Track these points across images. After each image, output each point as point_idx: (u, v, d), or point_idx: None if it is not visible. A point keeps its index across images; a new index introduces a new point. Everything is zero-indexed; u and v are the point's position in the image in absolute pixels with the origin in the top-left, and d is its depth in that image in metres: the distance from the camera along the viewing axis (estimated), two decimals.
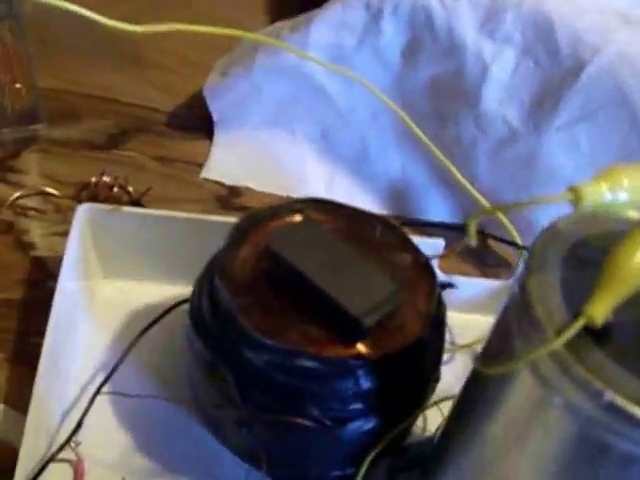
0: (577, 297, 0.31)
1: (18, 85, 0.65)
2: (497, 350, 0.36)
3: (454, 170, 0.54)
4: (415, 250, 0.46)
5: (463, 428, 0.40)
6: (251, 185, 0.65)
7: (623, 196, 0.29)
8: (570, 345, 0.30)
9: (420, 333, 0.42)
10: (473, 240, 0.33)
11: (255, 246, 0.45)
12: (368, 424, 0.42)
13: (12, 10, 0.62)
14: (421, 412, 0.45)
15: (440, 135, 0.59)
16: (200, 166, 0.66)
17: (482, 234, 0.55)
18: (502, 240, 0.55)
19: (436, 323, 0.44)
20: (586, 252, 0.34)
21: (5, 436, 0.48)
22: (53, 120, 0.67)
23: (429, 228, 0.58)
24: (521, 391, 0.34)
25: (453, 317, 0.54)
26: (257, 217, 0.46)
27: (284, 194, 0.63)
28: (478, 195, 0.55)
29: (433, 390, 0.46)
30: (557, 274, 0.33)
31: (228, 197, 0.65)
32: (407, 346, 0.42)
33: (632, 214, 0.32)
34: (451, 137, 0.59)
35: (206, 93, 0.66)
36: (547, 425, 0.33)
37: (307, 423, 0.41)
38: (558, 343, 0.30)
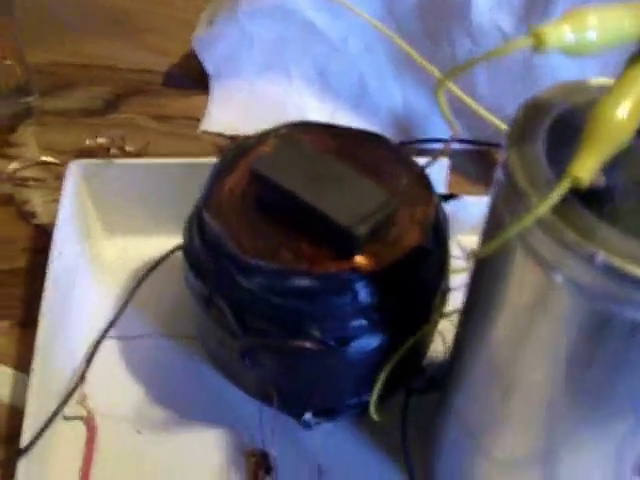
0: (563, 163, 0.29)
1: (8, 62, 0.65)
2: (491, 237, 0.34)
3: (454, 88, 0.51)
4: (410, 162, 0.45)
5: (469, 332, 0.38)
6: (252, 133, 0.63)
7: (592, 35, 0.27)
8: (557, 210, 0.28)
9: (418, 242, 0.40)
10: (451, 121, 0.31)
11: (241, 173, 0.43)
12: (373, 342, 0.41)
13: None
14: (429, 326, 0.43)
15: (435, 55, 0.57)
16: (199, 120, 0.65)
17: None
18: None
19: (436, 233, 0.42)
20: (573, 121, 0.31)
21: (18, 401, 0.48)
22: (48, 92, 0.67)
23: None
24: (517, 272, 0.31)
25: (467, 239, 0.52)
26: (242, 145, 0.45)
27: None
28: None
29: (443, 304, 0.44)
30: (541, 144, 0.31)
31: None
32: (404, 256, 0.40)
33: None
34: (446, 56, 0.57)
35: (195, 45, 0.65)
36: (548, 304, 0.31)
37: (309, 345, 0.39)
38: (543, 208, 0.28)
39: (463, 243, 0.53)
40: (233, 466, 0.45)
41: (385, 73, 0.62)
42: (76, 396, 0.46)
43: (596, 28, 0.27)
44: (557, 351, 0.32)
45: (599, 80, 0.33)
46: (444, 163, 0.53)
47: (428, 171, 0.45)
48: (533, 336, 0.32)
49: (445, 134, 0.60)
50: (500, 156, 0.32)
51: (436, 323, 0.44)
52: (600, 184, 0.29)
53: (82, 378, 0.46)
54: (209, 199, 0.42)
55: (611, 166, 0.29)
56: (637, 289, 0.27)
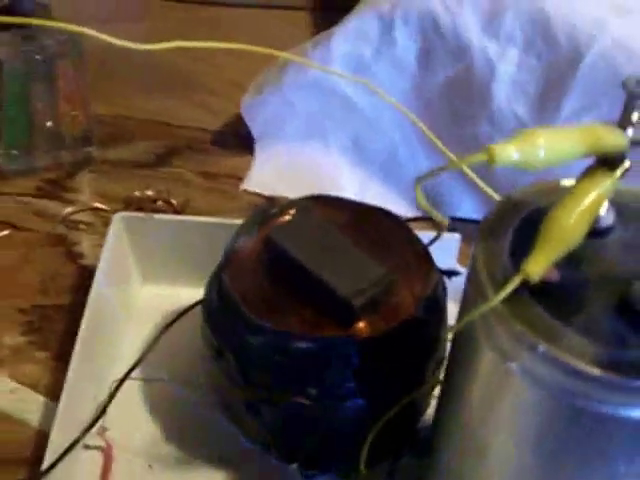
0: (521, 259, 0.32)
1: (75, 112, 0.71)
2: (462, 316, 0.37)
3: (466, 169, 0.55)
4: (413, 238, 0.48)
5: (447, 400, 0.41)
6: (288, 195, 0.68)
7: (539, 155, 0.31)
8: (510, 302, 0.32)
9: (412, 314, 0.44)
10: (423, 203, 0.35)
11: (260, 241, 0.48)
12: (365, 403, 0.44)
13: (75, 48, 0.68)
14: (421, 392, 0.46)
15: (459, 134, 0.61)
16: (241, 179, 0.70)
17: None
18: None
19: (432, 306, 0.46)
20: (539, 220, 0.35)
21: (46, 427, 0.52)
22: (106, 143, 0.73)
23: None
24: (479, 355, 0.35)
25: None
26: (263, 214, 0.49)
27: None
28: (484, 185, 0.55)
29: (437, 372, 0.47)
30: (507, 240, 0.35)
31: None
32: (398, 325, 0.43)
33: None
34: (469, 135, 0.61)
35: (243, 111, 0.70)
36: (504, 388, 0.34)
37: (306, 402, 0.43)
38: (496, 300, 0.31)
39: None
40: None
41: (414, 146, 0.66)
42: (97, 428, 0.50)
43: (544, 148, 0.31)
44: (520, 432, 0.35)
45: (571, 181, 0.36)
46: (456, 237, 0.56)
47: (438, 245, 0.48)
48: (496, 414, 0.36)
49: (471, 208, 0.64)
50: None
51: (431, 389, 0.48)
52: (554, 279, 0.33)
53: (104, 412, 0.50)
54: (228, 261, 0.47)
55: (566, 262, 0.33)
56: (579, 379, 0.31)
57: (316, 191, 0.66)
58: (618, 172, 0.33)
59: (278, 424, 0.46)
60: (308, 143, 0.69)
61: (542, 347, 0.31)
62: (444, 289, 0.48)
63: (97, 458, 0.50)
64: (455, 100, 0.62)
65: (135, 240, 0.58)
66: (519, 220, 0.35)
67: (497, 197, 0.56)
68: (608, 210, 0.35)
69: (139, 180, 0.69)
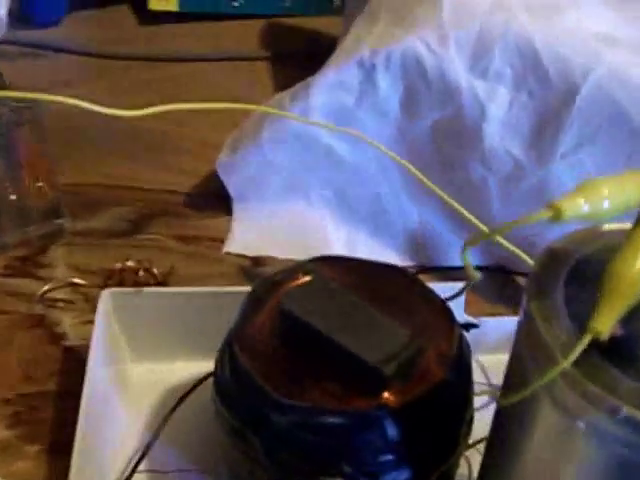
0: (583, 315, 0.31)
1: (40, 184, 0.68)
2: (514, 382, 0.35)
3: (460, 209, 0.54)
4: (430, 294, 0.46)
5: (495, 470, 0.39)
6: (273, 254, 0.66)
7: (605, 205, 0.29)
8: (580, 363, 0.30)
9: (442, 376, 0.42)
10: (471, 272, 0.33)
11: (270, 310, 0.45)
12: (402, 475, 0.41)
13: (34, 115, 0.65)
14: (455, 457, 0.44)
15: (450, 179, 0.60)
16: (222, 242, 0.67)
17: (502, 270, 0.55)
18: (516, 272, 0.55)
19: (460, 365, 0.44)
20: (589, 269, 0.33)
21: None
22: (76, 213, 0.69)
23: (450, 273, 0.57)
24: (542, 422, 0.33)
25: (487, 359, 0.54)
26: (270, 281, 0.47)
27: (306, 258, 0.64)
28: (479, 224, 0.54)
29: (468, 434, 0.45)
30: (560, 295, 0.33)
31: (251, 268, 0.65)
32: (430, 391, 0.41)
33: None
34: (461, 179, 0.60)
35: (219, 170, 0.67)
36: (573, 454, 0.32)
37: None
38: (566, 363, 0.29)
39: (482, 363, 0.55)
40: None
41: (400, 194, 0.65)
42: None
43: (608, 198, 0.29)
44: None
45: (611, 226, 0.35)
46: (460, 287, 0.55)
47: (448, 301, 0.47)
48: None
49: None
50: (520, 308, 0.34)
51: (462, 451, 0.45)
52: (617, 333, 0.31)
53: None
54: (240, 333, 0.44)
55: (627, 315, 0.31)
56: None
57: (302, 248, 0.64)
58: None
59: None
60: (290, 199, 0.67)
61: (625, 410, 0.28)
62: (467, 345, 0.46)
63: None
64: (444, 144, 0.60)
65: (124, 317, 0.55)
66: (567, 270, 0.34)
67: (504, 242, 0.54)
68: None
69: (115, 251, 0.66)
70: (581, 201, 0.29)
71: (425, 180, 0.51)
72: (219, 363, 0.45)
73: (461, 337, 0.45)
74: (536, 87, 0.55)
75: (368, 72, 0.59)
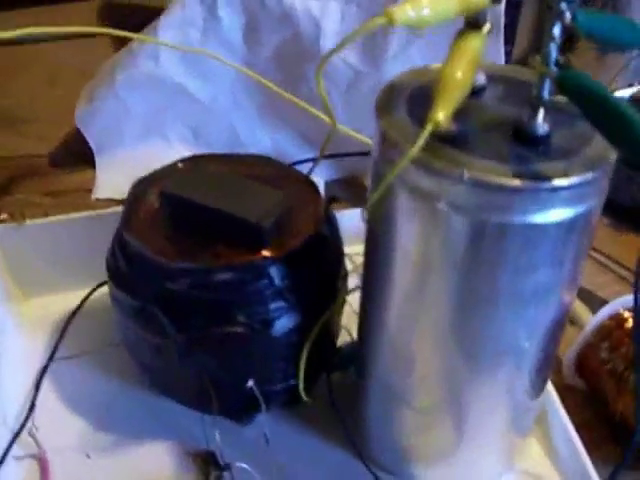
0: (423, 119, 0.37)
1: None
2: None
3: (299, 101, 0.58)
4: (297, 173, 0.52)
5: (372, 294, 0.44)
6: None
7: (426, 12, 0.35)
8: (425, 149, 0.36)
9: (315, 230, 0.47)
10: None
11: (152, 199, 0.49)
12: (292, 321, 0.46)
13: None
14: (337, 305, 0.49)
15: (294, 95, 0.65)
16: (90, 191, 0.70)
17: None
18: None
19: (329, 225, 0.49)
20: (422, 93, 0.39)
21: None
22: None
23: None
24: (405, 216, 0.38)
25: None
26: (146, 178, 0.51)
27: None
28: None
29: (346, 287, 0.51)
30: (403, 109, 0.39)
31: None
32: (305, 242, 0.46)
33: None
34: (306, 96, 0.65)
35: (78, 122, 0.70)
36: (436, 236, 0.38)
37: (237, 330, 0.45)
38: (415, 148, 0.35)
39: None
40: (184, 472, 0.49)
41: (253, 123, 0.70)
42: (27, 429, 0.49)
43: (428, 7, 0.35)
44: (451, 265, 0.38)
45: (437, 65, 0.41)
46: (320, 182, 0.60)
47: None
48: (426, 266, 0.39)
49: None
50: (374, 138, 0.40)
51: (342, 303, 0.51)
52: (454, 129, 0.37)
53: (33, 405, 0.49)
54: (127, 224, 0.48)
55: (458, 117, 0.37)
56: (503, 195, 0.35)
57: None
58: (484, 30, 0.38)
59: (214, 364, 0.47)
60: (148, 141, 0.71)
61: (466, 174, 0.35)
62: (333, 213, 0.51)
63: (33, 467, 0.49)
64: (287, 65, 0.66)
65: (9, 254, 0.57)
66: (407, 96, 0.40)
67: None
68: (479, 72, 0.40)
69: None
70: (408, 7, 0.35)
71: (269, 84, 0.56)
72: (111, 258, 0.49)
73: (327, 204, 0.51)
74: None
75: (209, 7, 0.64)
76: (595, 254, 0.66)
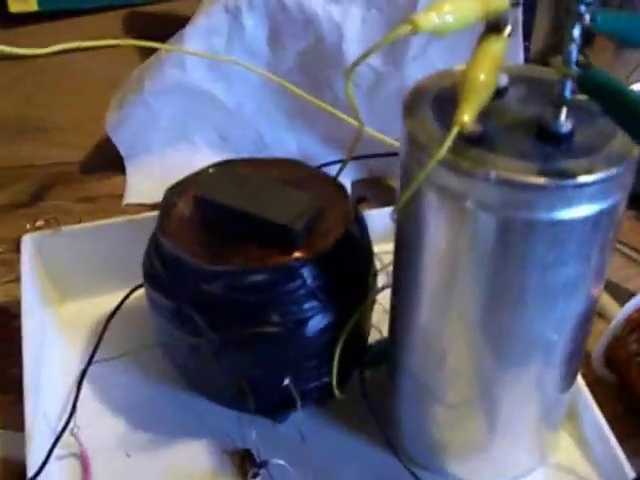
0: (448, 121, 0.38)
1: None
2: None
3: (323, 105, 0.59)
4: (325, 176, 0.53)
5: (402, 294, 0.45)
6: None
7: (449, 18, 0.36)
8: (452, 151, 0.37)
9: (345, 231, 0.48)
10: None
11: (185, 204, 0.50)
12: (325, 320, 0.48)
13: None
14: (368, 303, 0.50)
15: (319, 100, 0.66)
16: (121, 196, 0.72)
17: None
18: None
19: (359, 225, 0.51)
20: (447, 95, 0.40)
21: (11, 454, 0.52)
22: None
23: None
24: (434, 216, 0.40)
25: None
26: (178, 185, 0.52)
27: None
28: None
29: (376, 286, 0.52)
30: (428, 111, 0.40)
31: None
32: (336, 243, 0.47)
33: None
34: (330, 99, 0.66)
35: (109, 130, 0.72)
36: (464, 235, 0.39)
37: (272, 329, 0.46)
38: (443, 150, 0.36)
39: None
40: (222, 469, 0.51)
41: (279, 127, 0.71)
42: (69, 430, 0.51)
43: (451, 13, 0.36)
44: (477, 272, 0.40)
45: (460, 67, 0.42)
46: (347, 183, 0.62)
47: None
48: (454, 264, 0.40)
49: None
50: (400, 139, 0.41)
51: (373, 302, 0.52)
52: (479, 130, 0.38)
53: (74, 407, 0.51)
54: (162, 228, 0.49)
55: (482, 118, 0.38)
56: (528, 193, 0.36)
57: None
58: (505, 33, 0.39)
59: (250, 364, 0.48)
60: (176, 146, 0.73)
61: (493, 173, 0.36)
62: (362, 213, 0.52)
63: (74, 464, 0.51)
64: (310, 71, 0.67)
65: (47, 259, 0.59)
66: (432, 98, 0.41)
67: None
68: (501, 74, 0.41)
69: (21, 219, 0.69)
70: (433, 15, 0.36)
71: (299, 91, 0.58)
72: (147, 260, 0.50)
73: (355, 206, 0.52)
74: (383, 3, 0.63)
75: (234, 15, 0.66)
76: (621, 247, 0.67)
